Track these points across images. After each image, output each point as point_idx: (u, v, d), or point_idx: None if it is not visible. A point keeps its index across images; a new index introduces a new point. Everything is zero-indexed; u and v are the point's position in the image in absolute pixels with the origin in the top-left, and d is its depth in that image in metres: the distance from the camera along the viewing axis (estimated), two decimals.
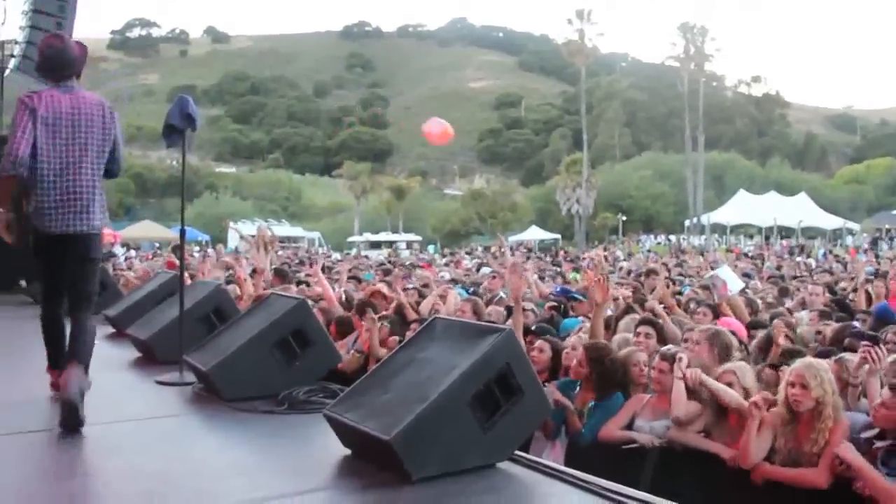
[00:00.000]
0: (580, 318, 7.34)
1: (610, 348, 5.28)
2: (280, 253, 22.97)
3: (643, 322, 6.00)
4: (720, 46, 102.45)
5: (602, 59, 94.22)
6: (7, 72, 14.07)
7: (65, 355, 4.47)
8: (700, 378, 4.50)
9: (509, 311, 7.74)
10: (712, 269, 11.97)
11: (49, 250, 4.58)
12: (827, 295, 9.42)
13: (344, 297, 8.91)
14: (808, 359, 4.38)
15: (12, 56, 13.88)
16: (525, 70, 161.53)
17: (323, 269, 11.29)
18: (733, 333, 5.47)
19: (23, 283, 11.14)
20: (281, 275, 10.66)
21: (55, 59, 4.60)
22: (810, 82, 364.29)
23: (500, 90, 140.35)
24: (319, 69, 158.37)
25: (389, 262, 23.15)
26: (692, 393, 4.52)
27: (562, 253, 35.81)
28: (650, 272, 10.65)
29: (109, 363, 6.47)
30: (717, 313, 6.86)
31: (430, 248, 52.74)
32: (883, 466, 3.71)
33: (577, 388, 5.28)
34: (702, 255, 25.21)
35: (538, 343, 5.69)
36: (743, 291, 8.30)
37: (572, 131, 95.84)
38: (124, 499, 3.15)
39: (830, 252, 34.06)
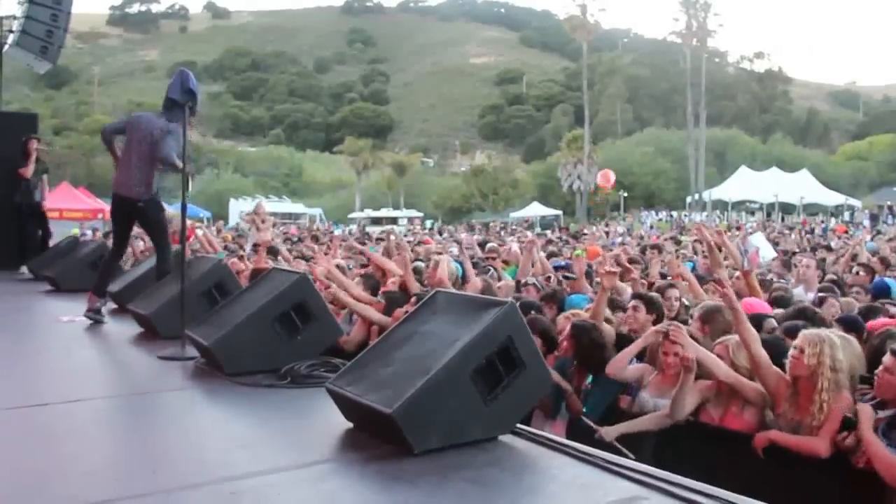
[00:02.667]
0: (589, 295, 7.34)
1: (596, 327, 5.25)
2: (281, 229, 22.93)
3: (632, 296, 5.99)
4: (723, 22, 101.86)
5: (604, 34, 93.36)
6: (6, 47, 14.00)
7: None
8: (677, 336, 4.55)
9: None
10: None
11: None
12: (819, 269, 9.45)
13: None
14: (818, 329, 4.38)
15: (10, 32, 13.80)
16: (527, 46, 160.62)
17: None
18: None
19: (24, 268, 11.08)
20: (272, 252, 10.68)
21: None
22: (813, 58, 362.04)
23: (502, 66, 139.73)
24: (320, 45, 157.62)
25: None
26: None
27: (564, 230, 35.73)
28: (655, 248, 10.66)
29: (111, 338, 6.51)
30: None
31: (428, 223, 52.83)
32: (883, 438, 3.71)
33: (573, 366, 5.29)
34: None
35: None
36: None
37: (574, 107, 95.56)
38: (127, 471, 3.16)
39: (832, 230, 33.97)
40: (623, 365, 4.90)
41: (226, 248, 12.77)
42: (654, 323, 5.46)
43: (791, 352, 4.20)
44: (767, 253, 7.71)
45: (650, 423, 4.58)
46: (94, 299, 7.04)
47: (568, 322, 5.39)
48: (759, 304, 6.26)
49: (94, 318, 6.99)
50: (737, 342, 4.56)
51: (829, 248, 15.51)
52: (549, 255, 11.14)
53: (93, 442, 3.67)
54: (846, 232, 30.37)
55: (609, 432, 4.58)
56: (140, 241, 11.60)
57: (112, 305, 7.64)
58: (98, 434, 3.84)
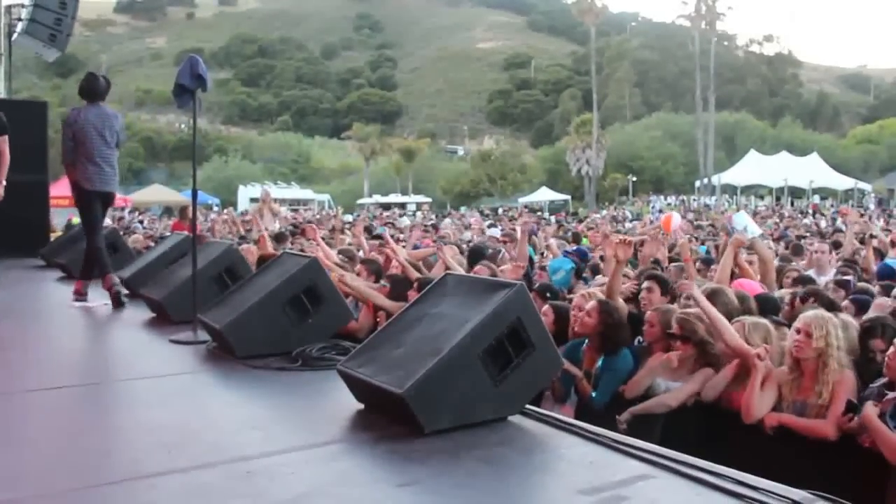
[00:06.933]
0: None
1: (620, 308, 5.28)
2: (287, 215, 22.91)
3: (646, 277, 5.98)
4: (732, 5, 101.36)
5: (612, 18, 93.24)
6: (15, 36, 14.05)
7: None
8: (692, 293, 4.65)
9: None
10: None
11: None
12: (834, 253, 9.42)
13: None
14: (820, 311, 4.39)
15: (19, 20, 13.84)
16: (534, 30, 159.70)
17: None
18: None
19: None
20: (279, 239, 10.69)
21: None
22: (823, 41, 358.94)
23: (510, 51, 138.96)
24: (327, 31, 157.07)
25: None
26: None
27: (565, 215, 35.68)
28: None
29: (124, 323, 6.55)
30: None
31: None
32: (891, 419, 3.71)
33: (584, 348, 5.29)
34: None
35: (543, 309, 5.48)
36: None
37: (582, 92, 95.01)
38: (142, 451, 3.20)
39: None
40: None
41: (242, 237, 12.81)
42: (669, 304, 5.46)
43: (795, 336, 4.21)
44: (753, 229, 7.71)
45: (659, 407, 4.60)
46: (81, 285, 7.41)
47: (585, 300, 5.39)
48: (750, 284, 6.26)
49: (81, 300, 7.27)
50: (753, 322, 4.57)
51: (840, 231, 15.44)
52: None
53: (108, 424, 3.72)
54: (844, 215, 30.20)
55: (622, 417, 4.61)
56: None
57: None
58: (113, 416, 3.88)
